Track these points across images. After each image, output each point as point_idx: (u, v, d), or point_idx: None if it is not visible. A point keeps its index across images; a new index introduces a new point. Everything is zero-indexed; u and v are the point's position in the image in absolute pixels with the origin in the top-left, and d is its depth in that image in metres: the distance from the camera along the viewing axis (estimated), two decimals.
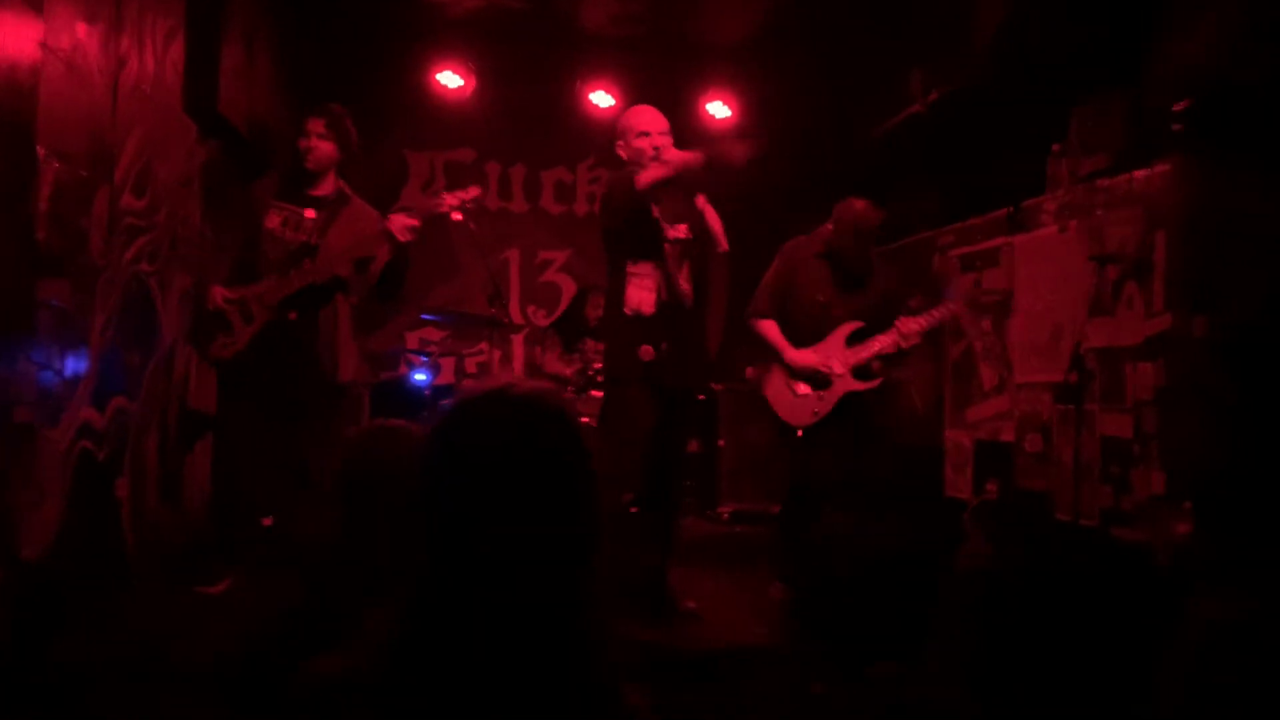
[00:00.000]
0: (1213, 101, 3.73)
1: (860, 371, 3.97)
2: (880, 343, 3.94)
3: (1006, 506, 4.46)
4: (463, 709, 1.01)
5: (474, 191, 3.76)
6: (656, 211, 3.57)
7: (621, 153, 3.70)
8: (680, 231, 3.63)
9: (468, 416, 1.12)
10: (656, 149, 3.57)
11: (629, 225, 3.55)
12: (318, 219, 3.67)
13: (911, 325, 3.92)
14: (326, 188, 3.77)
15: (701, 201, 3.58)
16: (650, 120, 3.68)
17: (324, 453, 3.73)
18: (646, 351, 3.50)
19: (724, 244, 3.67)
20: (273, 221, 3.66)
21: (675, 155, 3.50)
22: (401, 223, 3.56)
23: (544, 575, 1.07)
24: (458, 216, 3.72)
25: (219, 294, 3.63)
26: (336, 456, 3.93)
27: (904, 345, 3.92)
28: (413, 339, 6.65)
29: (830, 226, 4.05)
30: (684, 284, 3.60)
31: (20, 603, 2.90)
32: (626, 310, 3.56)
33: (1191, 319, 3.69)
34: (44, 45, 3.00)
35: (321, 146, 3.70)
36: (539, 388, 1.14)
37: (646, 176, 3.46)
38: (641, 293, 3.55)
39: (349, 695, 1.02)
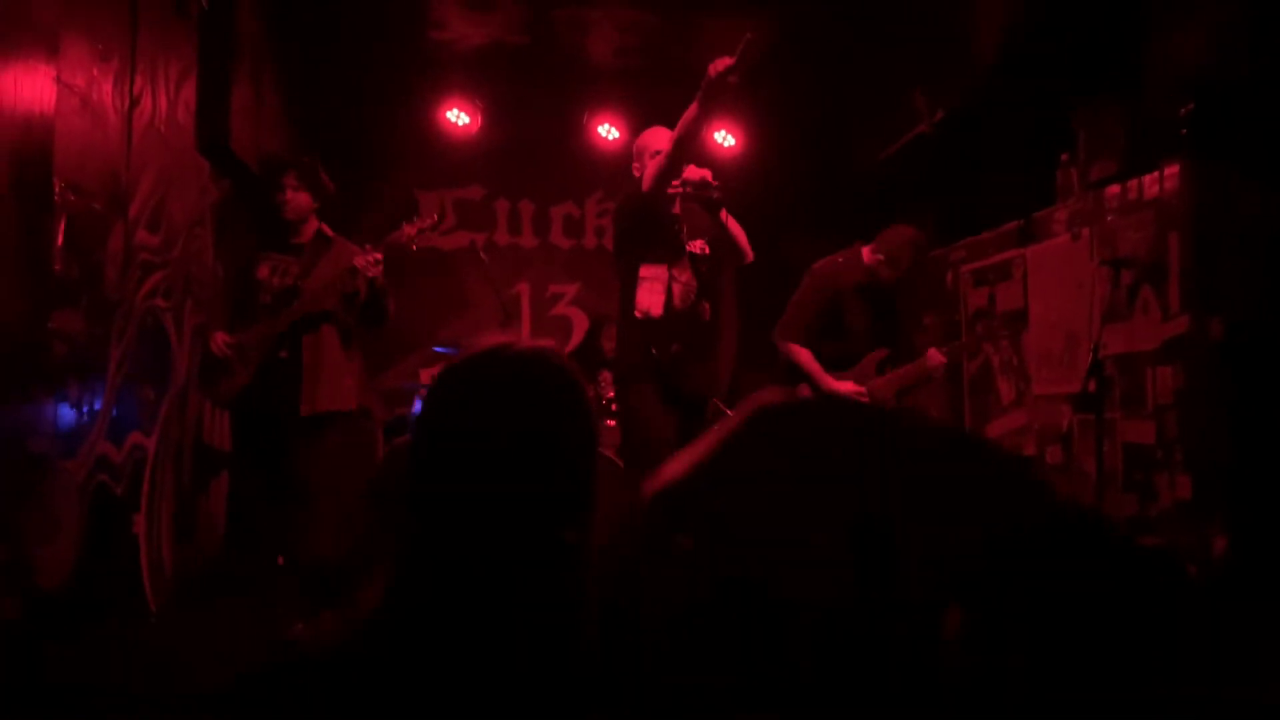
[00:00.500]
0: (1214, 104, 3.74)
1: (888, 400, 3.98)
2: (907, 372, 3.99)
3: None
4: (449, 678, 0.97)
5: (430, 220, 3.90)
6: (674, 220, 3.58)
7: (636, 174, 3.72)
8: (696, 246, 3.64)
9: (466, 373, 1.09)
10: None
11: (641, 227, 3.56)
12: (302, 263, 3.83)
13: (939, 359, 4.00)
14: (307, 234, 3.91)
15: (724, 215, 3.58)
16: (665, 139, 3.64)
17: (314, 476, 3.74)
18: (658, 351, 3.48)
19: (749, 254, 3.68)
20: (263, 272, 3.82)
21: (692, 171, 3.50)
22: (365, 259, 3.70)
23: (538, 531, 1.02)
24: (406, 240, 3.81)
25: (220, 339, 3.76)
26: (335, 479, 3.97)
27: (933, 377, 3.99)
28: (425, 375, 6.65)
29: (869, 254, 4.03)
30: (699, 295, 3.59)
31: (37, 632, 2.88)
32: (636, 313, 3.57)
33: (1208, 321, 3.66)
34: (59, 81, 3.05)
35: (297, 198, 3.86)
36: (539, 346, 1.10)
37: (648, 174, 3.49)
38: (652, 295, 3.55)
39: (335, 664, 0.98)
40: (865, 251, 4.06)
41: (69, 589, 3.11)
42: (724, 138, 6.65)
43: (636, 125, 6.60)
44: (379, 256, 3.71)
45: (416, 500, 1.05)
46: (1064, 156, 4.48)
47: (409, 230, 3.81)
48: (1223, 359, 3.61)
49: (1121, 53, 4.19)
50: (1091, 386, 3.74)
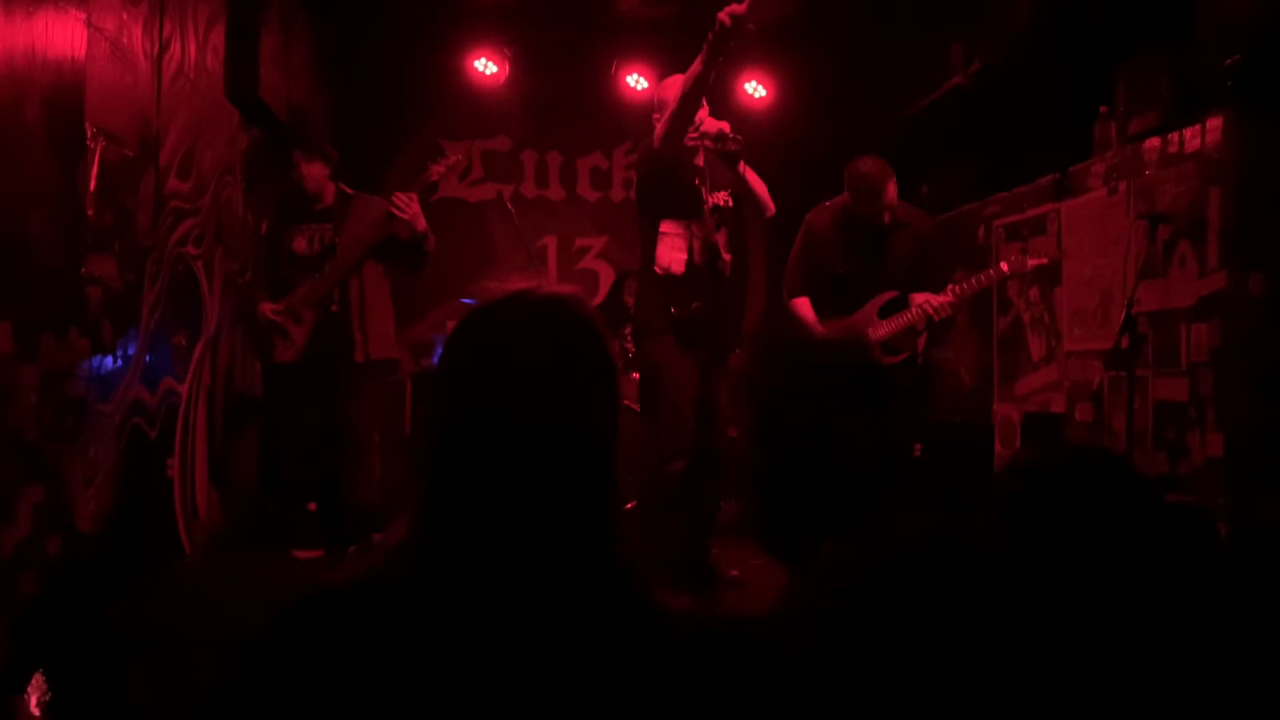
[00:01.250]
0: (1264, 55, 3.63)
1: (889, 347, 3.92)
2: (908, 317, 3.89)
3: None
4: (476, 612, 0.96)
5: (455, 158, 4.08)
6: (696, 173, 3.55)
7: (657, 124, 3.68)
8: (719, 198, 3.60)
9: (490, 315, 1.07)
10: (696, 121, 3.53)
11: (660, 184, 3.54)
12: (333, 224, 3.92)
13: (938, 300, 3.85)
14: (328, 198, 3.98)
15: (743, 167, 3.54)
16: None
17: (363, 421, 3.83)
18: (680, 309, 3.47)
19: (771, 207, 3.64)
20: (300, 245, 3.90)
21: (711, 124, 3.48)
22: (398, 200, 3.77)
23: (562, 476, 1.01)
24: (436, 179, 3.94)
25: (267, 309, 3.86)
26: (379, 426, 4.02)
27: (935, 318, 3.85)
28: (453, 327, 6.68)
29: (846, 195, 4.00)
30: (722, 249, 3.56)
31: (75, 573, 2.94)
32: (657, 269, 3.57)
33: (1247, 277, 3.59)
34: (90, 25, 3.05)
35: (311, 170, 3.94)
36: (564, 291, 1.09)
37: (658, 131, 3.47)
38: (673, 252, 3.54)
39: (355, 600, 0.98)
40: (844, 194, 4.02)
41: (106, 532, 3.17)
42: (755, 88, 6.57)
43: (665, 76, 6.53)
44: (413, 196, 3.78)
45: (436, 436, 1.04)
46: (1102, 109, 4.39)
47: (437, 169, 3.90)
48: (1261, 316, 3.55)
49: (1166, 3, 4.07)
50: (1125, 343, 3.69)
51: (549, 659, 0.95)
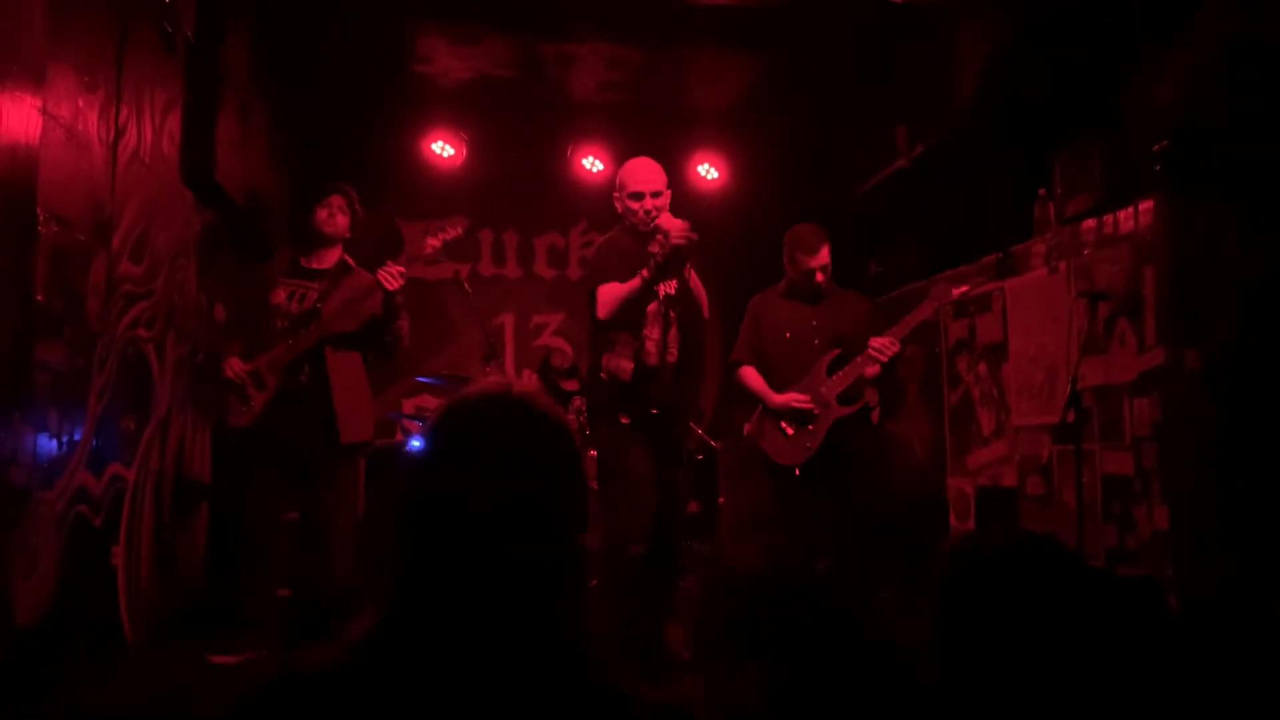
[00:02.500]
0: (1189, 142, 3.82)
1: (845, 397, 3.98)
2: (859, 364, 3.95)
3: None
4: (442, 703, 0.99)
5: (454, 232, 3.86)
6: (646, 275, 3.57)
7: (617, 206, 3.74)
8: (670, 288, 3.62)
9: (463, 413, 1.13)
10: (649, 213, 3.57)
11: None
12: (323, 287, 3.82)
13: (882, 340, 3.91)
14: (332, 259, 3.91)
15: (689, 270, 3.64)
16: (644, 180, 3.65)
17: (340, 514, 3.76)
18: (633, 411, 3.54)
19: (706, 311, 3.77)
20: (279, 297, 3.80)
21: (667, 222, 3.43)
22: (388, 271, 3.67)
23: (532, 570, 1.06)
24: (432, 252, 3.82)
25: (236, 365, 3.73)
26: (351, 509, 3.95)
27: (882, 358, 3.90)
28: (409, 405, 6.65)
29: (786, 268, 4.13)
30: (670, 345, 3.58)
31: (14, 668, 2.84)
32: (603, 375, 3.59)
33: (1183, 352, 3.71)
34: (45, 112, 3.06)
35: (338, 220, 3.87)
36: (534, 392, 1.15)
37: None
38: (619, 360, 3.55)
39: (324, 689, 1.00)
40: None
41: (47, 624, 3.07)
42: (707, 170, 6.73)
43: (620, 158, 6.65)
44: (401, 270, 3.68)
45: (415, 528, 1.08)
46: (1041, 191, 4.56)
47: (433, 242, 3.79)
48: (1199, 391, 3.66)
49: (1098, 92, 4.27)
50: (1070, 418, 3.78)
51: None
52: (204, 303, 4.69)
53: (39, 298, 3.05)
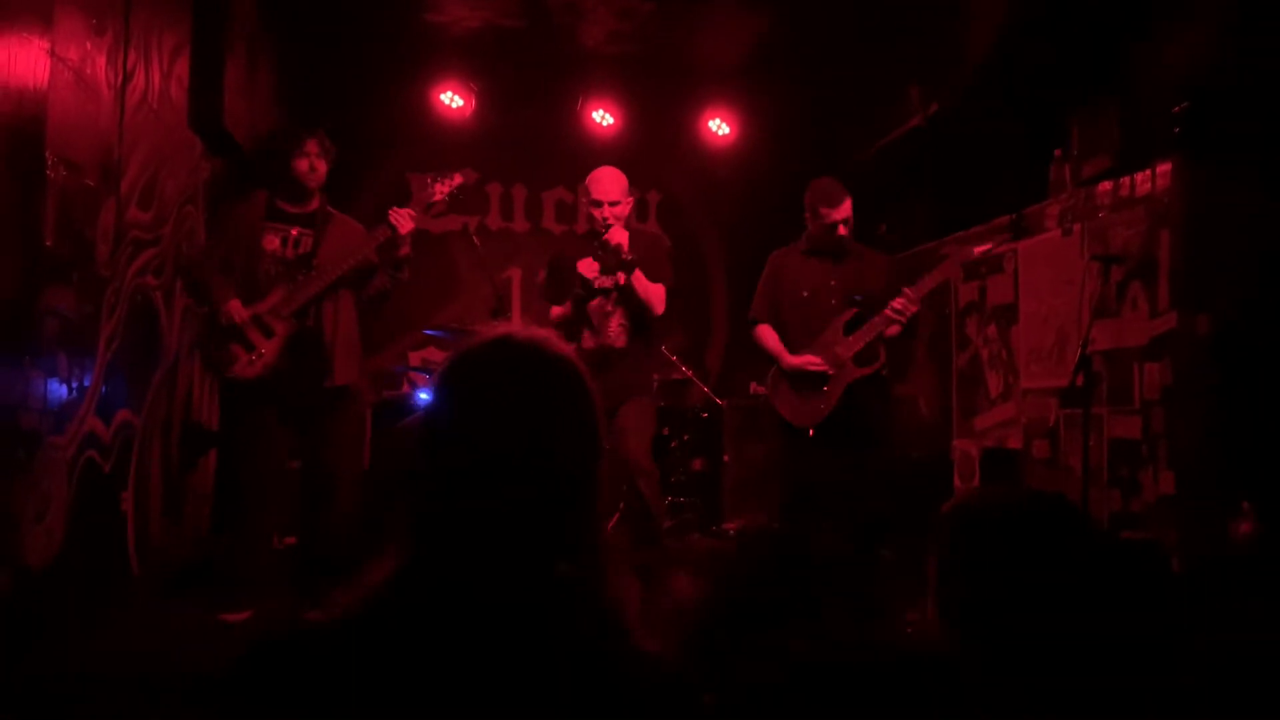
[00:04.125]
0: (1209, 104, 3.76)
1: (862, 358, 3.96)
2: (878, 324, 3.92)
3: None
4: (452, 657, 0.99)
5: (459, 179, 3.93)
6: (584, 268, 4.00)
7: (581, 207, 4.02)
8: (608, 281, 3.96)
9: (470, 362, 1.11)
10: (605, 220, 3.95)
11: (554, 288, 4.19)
12: (312, 234, 3.80)
13: (900, 300, 3.88)
14: (314, 204, 3.86)
15: (636, 278, 3.91)
16: (605, 191, 3.98)
17: (342, 462, 3.77)
18: None
19: (657, 309, 3.98)
20: (271, 243, 3.76)
21: (614, 236, 3.90)
22: (399, 213, 3.76)
23: (547, 515, 1.05)
24: (442, 199, 3.93)
25: (240, 311, 3.64)
26: (351, 456, 3.96)
27: (901, 318, 3.88)
28: (416, 358, 6.64)
29: (807, 224, 4.09)
30: (613, 329, 3.98)
31: (23, 611, 2.87)
32: None
33: (1196, 317, 3.69)
34: (53, 54, 3.02)
35: (320, 166, 3.83)
36: (540, 335, 1.14)
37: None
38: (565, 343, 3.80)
39: (334, 642, 1.00)
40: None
41: (57, 567, 3.10)
42: (719, 126, 6.65)
43: (630, 111, 6.61)
44: (413, 212, 3.76)
45: (428, 482, 1.07)
46: (1057, 152, 4.51)
47: (440, 188, 3.86)
48: (1210, 356, 3.65)
49: (1116, 52, 4.20)
50: (1079, 381, 3.77)
51: (537, 689, 0.98)
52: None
53: (48, 242, 3.04)
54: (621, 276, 3.93)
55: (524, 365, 1.10)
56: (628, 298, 3.96)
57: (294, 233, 3.78)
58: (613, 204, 3.96)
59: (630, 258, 3.90)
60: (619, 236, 3.91)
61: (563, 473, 1.07)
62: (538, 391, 1.09)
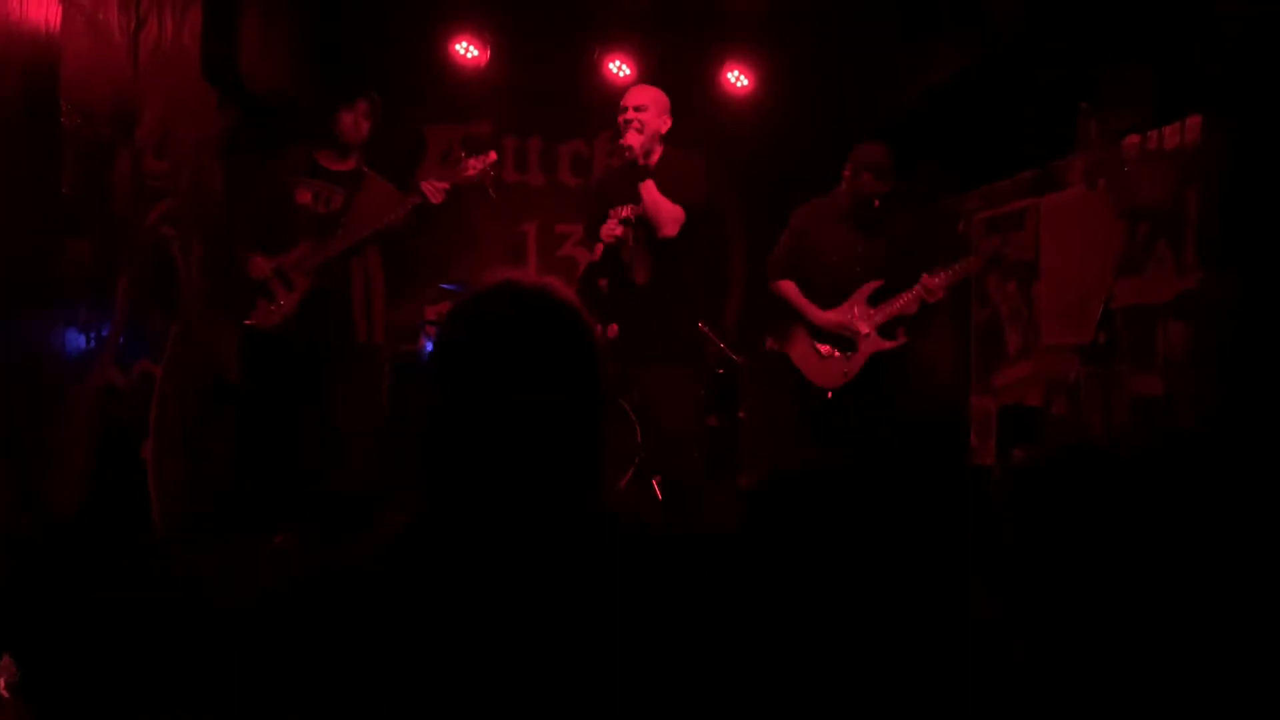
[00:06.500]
0: (1245, 57, 3.67)
1: (885, 330, 3.94)
2: (903, 300, 3.89)
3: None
4: (468, 603, 1.00)
5: (493, 156, 3.99)
6: (600, 198, 3.87)
7: (619, 124, 3.85)
8: (625, 212, 3.73)
9: (476, 308, 1.12)
10: (627, 123, 3.76)
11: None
12: (346, 191, 3.83)
13: (934, 281, 3.86)
14: (351, 163, 3.89)
15: (645, 186, 3.65)
16: (633, 94, 3.86)
17: (360, 416, 3.80)
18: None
19: (665, 229, 3.67)
20: (304, 197, 3.80)
21: (629, 139, 3.69)
22: (433, 185, 3.77)
23: (553, 465, 1.07)
24: (476, 175, 3.90)
25: (262, 265, 3.67)
26: (370, 410, 3.98)
27: (928, 300, 3.86)
28: (432, 312, 6.64)
29: (844, 185, 4.02)
30: (634, 263, 3.74)
31: (47, 554, 2.91)
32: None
33: (1223, 275, 3.64)
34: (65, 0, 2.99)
35: (364, 125, 3.88)
36: (545, 281, 1.14)
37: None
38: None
39: (353, 587, 1.02)
40: (841, 185, 4.05)
41: (79, 514, 3.13)
42: (737, 78, 6.55)
43: (647, 62, 6.51)
44: (446, 186, 3.78)
45: (435, 433, 1.08)
46: (1083, 105, 4.42)
47: (474, 163, 3.89)
48: (1236, 314, 3.60)
49: (1149, 5, 4.10)
50: (1102, 338, 3.74)
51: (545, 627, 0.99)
52: (229, 201, 4.65)
53: (64, 191, 3.03)
54: (629, 209, 3.71)
55: (525, 310, 1.10)
56: (645, 221, 3.72)
57: (327, 190, 3.79)
58: (638, 108, 3.73)
59: (641, 163, 3.65)
60: (633, 139, 3.67)
61: (562, 417, 1.08)
62: (538, 336, 1.09)
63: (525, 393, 1.06)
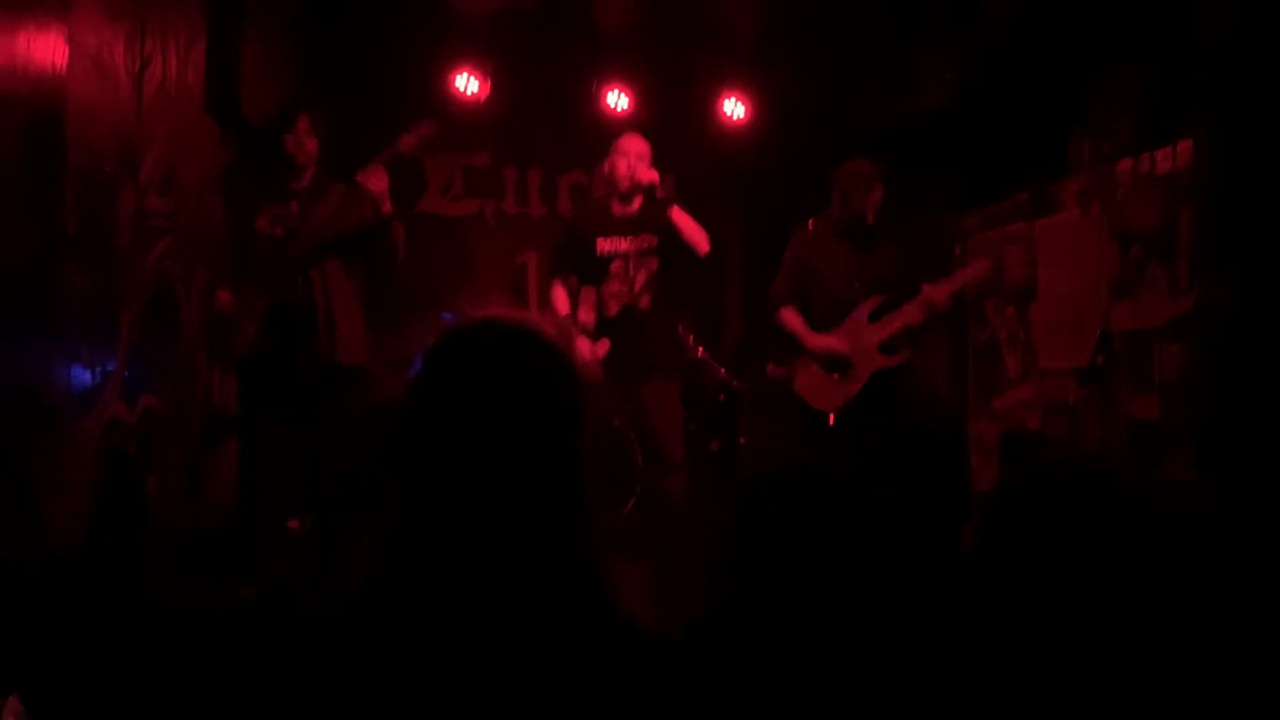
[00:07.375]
0: (1234, 79, 3.71)
1: (887, 347, 3.91)
2: (906, 314, 3.84)
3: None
4: (443, 640, 1.00)
5: (426, 128, 3.84)
6: (597, 237, 3.97)
7: (604, 170, 4.13)
8: (624, 244, 3.91)
9: (456, 344, 1.12)
10: (632, 168, 3.94)
11: (571, 259, 4.12)
12: (301, 205, 3.75)
13: (937, 291, 3.81)
14: (307, 180, 3.81)
15: (675, 213, 3.82)
16: (629, 143, 4.03)
17: (339, 442, 3.76)
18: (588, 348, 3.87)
19: (702, 247, 3.89)
20: (262, 223, 3.74)
21: (645, 175, 3.89)
22: (368, 173, 3.62)
23: (532, 502, 1.05)
24: (414, 146, 3.79)
25: (223, 296, 3.69)
26: (352, 445, 3.97)
27: (934, 311, 3.82)
28: (428, 354, 6.66)
29: (834, 208, 4.03)
30: (639, 293, 3.93)
31: (51, 592, 2.92)
32: (577, 325, 3.99)
33: (1216, 298, 3.66)
34: (71, 40, 3.05)
35: (308, 144, 3.79)
36: (525, 317, 1.14)
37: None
38: (587, 312, 3.98)
39: (329, 632, 1.02)
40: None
41: (82, 549, 3.15)
42: (733, 106, 6.62)
43: (645, 94, 6.58)
44: (379, 169, 3.62)
45: (410, 463, 1.08)
46: (1076, 128, 4.46)
47: (407, 139, 3.73)
48: (1231, 336, 3.62)
49: (1139, 21, 4.15)
50: (1099, 361, 3.75)
51: (527, 675, 0.98)
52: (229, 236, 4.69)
53: (68, 227, 3.07)
54: (652, 240, 3.89)
55: (505, 347, 1.10)
56: (665, 248, 3.91)
57: (283, 210, 3.73)
58: (640, 156, 3.95)
59: (663, 194, 3.87)
60: (650, 175, 3.87)
61: (545, 454, 1.07)
62: (520, 374, 1.08)
63: (504, 431, 1.05)
